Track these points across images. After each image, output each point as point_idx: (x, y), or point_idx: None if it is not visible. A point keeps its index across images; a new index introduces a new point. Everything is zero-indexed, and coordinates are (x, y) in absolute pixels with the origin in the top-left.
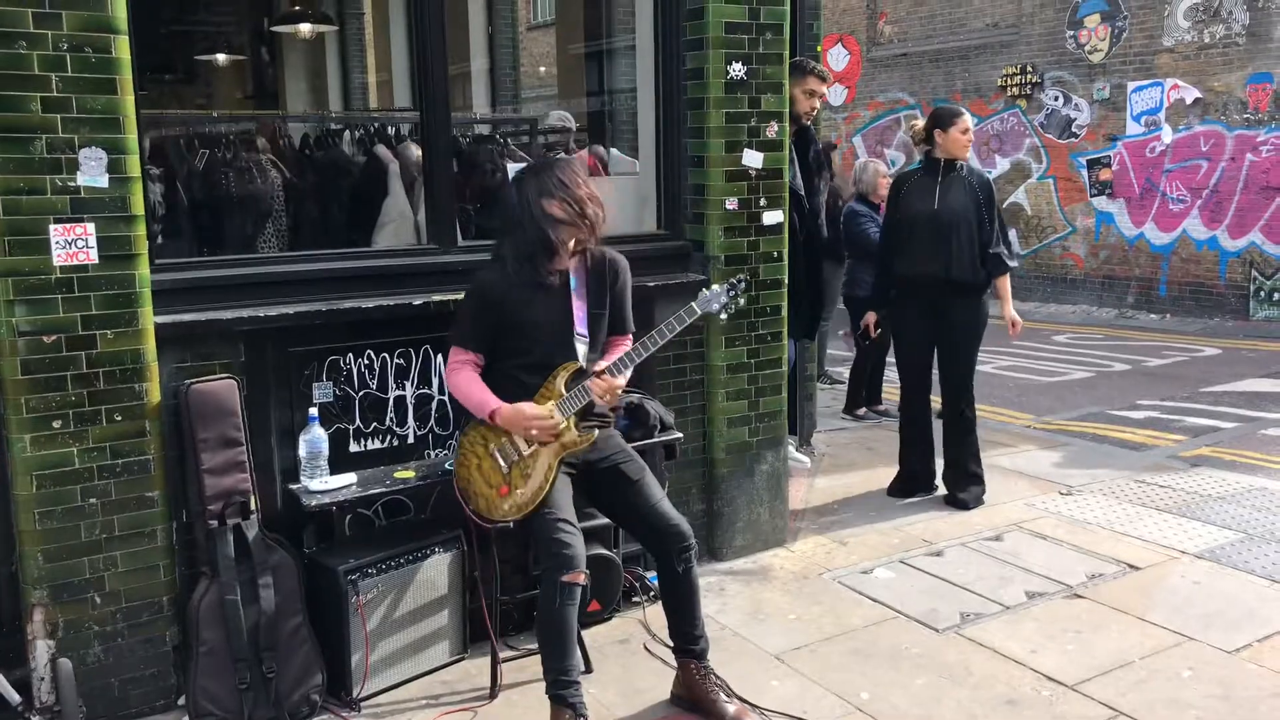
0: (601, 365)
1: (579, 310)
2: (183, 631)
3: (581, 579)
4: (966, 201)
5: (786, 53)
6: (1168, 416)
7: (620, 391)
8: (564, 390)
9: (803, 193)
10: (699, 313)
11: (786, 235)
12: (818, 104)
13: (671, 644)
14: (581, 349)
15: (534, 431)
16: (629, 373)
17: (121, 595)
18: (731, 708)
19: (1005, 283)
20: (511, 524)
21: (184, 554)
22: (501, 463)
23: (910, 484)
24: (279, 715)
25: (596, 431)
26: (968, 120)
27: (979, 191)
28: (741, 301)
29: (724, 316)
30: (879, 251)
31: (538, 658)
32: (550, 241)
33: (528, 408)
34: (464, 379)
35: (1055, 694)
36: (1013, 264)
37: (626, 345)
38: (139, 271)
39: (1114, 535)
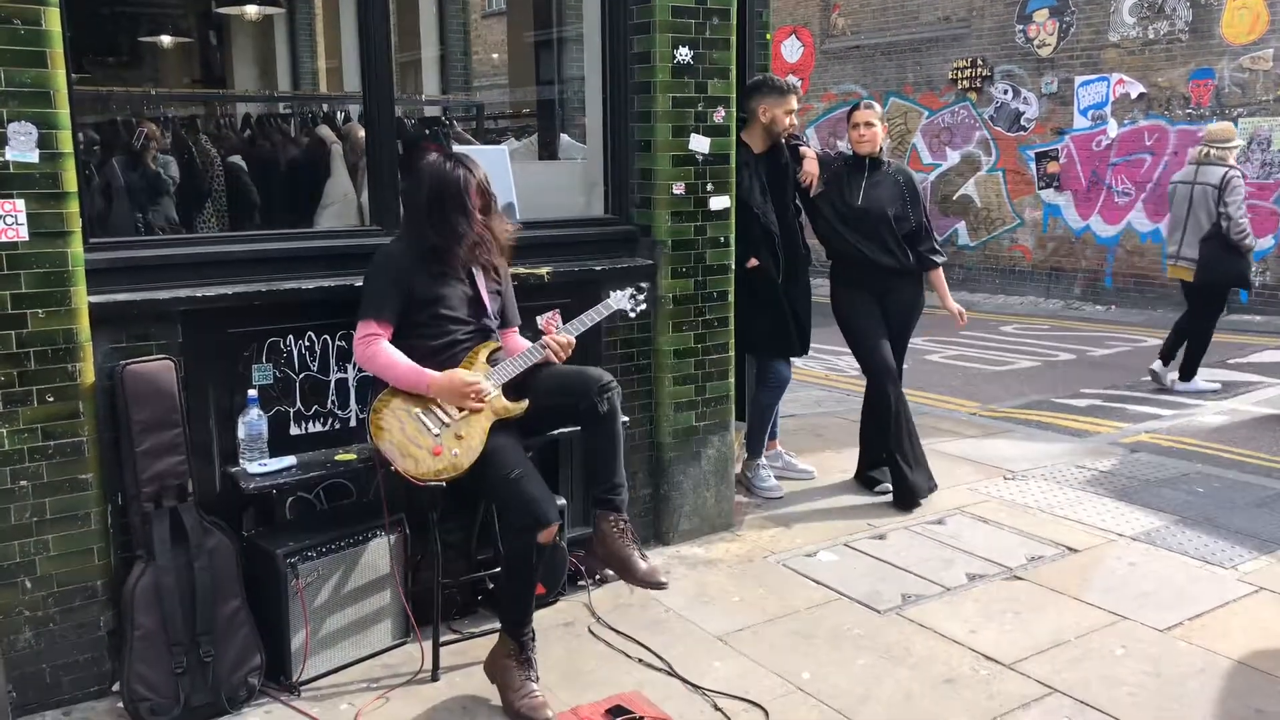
0: (556, 328)
1: (485, 295)
2: (117, 616)
3: (553, 535)
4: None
5: (734, 38)
6: (1110, 404)
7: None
8: (487, 363)
9: (775, 229)
10: (614, 308)
11: (771, 270)
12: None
13: (593, 497)
14: (493, 331)
15: (470, 399)
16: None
17: (53, 579)
18: (644, 564)
19: (939, 276)
20: (443, 483)
21: (119, 537)
22: (429, 425)
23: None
24: (216, 699)
25: (527, 402)
26: (859, 115)
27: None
28: (644, 307)
29: (633, 314)
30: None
31: (480, 640)
32: (452, 255)
33: (462, 375)
34: (387, 353)
35: (993, 672)
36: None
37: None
38: (71, 250)
39: (1054, 519)
